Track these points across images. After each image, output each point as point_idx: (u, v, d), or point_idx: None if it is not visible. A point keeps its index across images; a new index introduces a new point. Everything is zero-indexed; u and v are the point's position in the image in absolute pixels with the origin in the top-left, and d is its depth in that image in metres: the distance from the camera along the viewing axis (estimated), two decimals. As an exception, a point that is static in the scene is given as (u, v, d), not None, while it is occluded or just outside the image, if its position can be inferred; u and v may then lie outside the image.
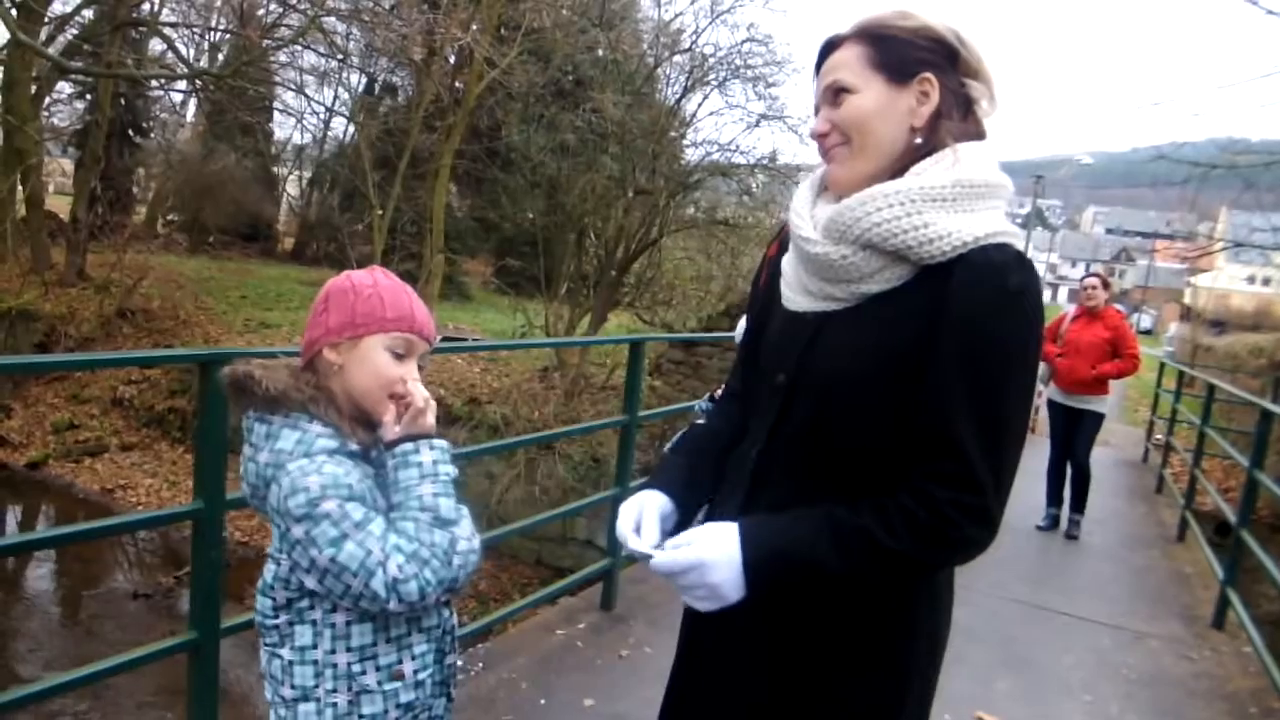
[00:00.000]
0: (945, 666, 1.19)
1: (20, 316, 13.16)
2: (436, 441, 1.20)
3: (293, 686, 1.19)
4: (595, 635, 3.32)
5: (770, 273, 1.26)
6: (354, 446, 1.19)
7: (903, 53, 1.07)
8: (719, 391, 2.43)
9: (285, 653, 1.20)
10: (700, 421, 2.45)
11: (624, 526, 1.13)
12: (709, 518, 1.18)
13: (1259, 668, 3.58)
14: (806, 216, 1.13)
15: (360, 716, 1.19)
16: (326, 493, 1.11)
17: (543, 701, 2.79)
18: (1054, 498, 5.69)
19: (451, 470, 1.20)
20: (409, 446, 1.18)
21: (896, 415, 1.03)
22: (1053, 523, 5.65)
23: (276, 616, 1.20)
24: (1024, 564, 4.86)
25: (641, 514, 1.14)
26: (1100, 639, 3.89)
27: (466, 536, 1.21)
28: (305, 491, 1.11)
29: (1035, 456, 5.87)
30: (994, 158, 1.09)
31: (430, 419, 1.21)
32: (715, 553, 1.03)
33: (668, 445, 1.87)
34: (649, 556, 1.08)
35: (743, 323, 2.39)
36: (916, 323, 1.02)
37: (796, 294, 1.14)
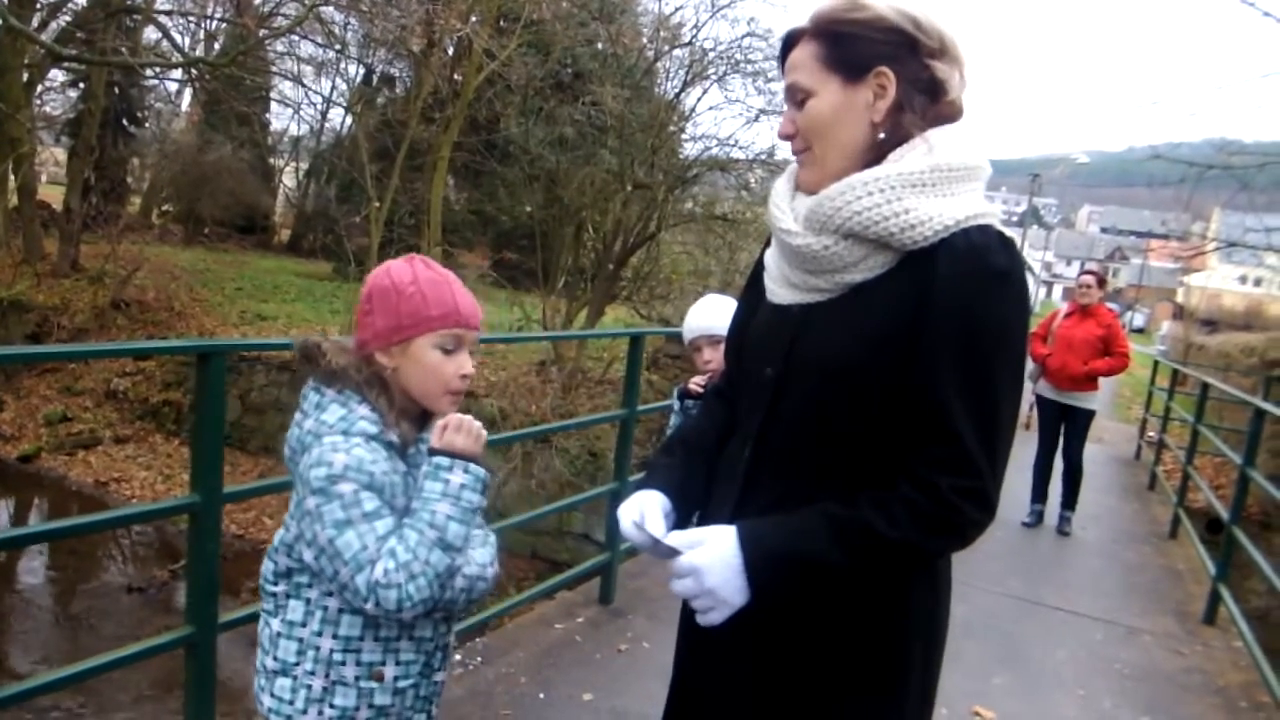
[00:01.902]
0: (942, 662, 1.19)
1: (12, 307, 13.08)
2: (473, 467, 1.20)
3: (275, 659, 1.21)
4: (594, 629, 3.32)
5: (757, 266, 1.26)
6: (393, 437, 1.20)
7: (856, 49, 1.06)
8: (690, 384, 2.42)
9: (275, 623, 1.22)
10: (676, 413, 2.45)
11: (627, 522, 1.13)
12: (702, 520, 1.18)
13: (1250, 662, 3.61)
14: (786, 209, 1.13)
15: (332, 705, 1.20)
16: (348, 473, 1.13)
17: (541, 696, 2.79)
18: (1039, 494, 5.71)
19: (475, 499, 1.20)
20: (445, 461, 1.19)
21: (886, 404, 1.03)
22: (1038, 519, 5.67)
23: (276, 583, 1.22)
24: (1018, 560, 4.88)
25: (644, 512, 1.14)
26: (1093, 634, 3.92)
27: (482, 563, 1.22)
28: (328, 466, 1.13)
29: (1027, 451, 5.91)
30: (970, 137, 1.08)
31: (471, 444, 1.21)
32: (707, 557, 1.03)
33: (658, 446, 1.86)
34: (656, 545, 1.08)
35: (689, 319, 2.37)
36: (902, 309, 1.02)
37: (780, 287, 1.14)
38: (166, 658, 2.09)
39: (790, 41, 1.12)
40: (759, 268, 1.26)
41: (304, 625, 1.20)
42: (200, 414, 2.00)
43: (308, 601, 1.19)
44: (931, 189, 1.03)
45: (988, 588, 4.20)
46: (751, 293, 1.26)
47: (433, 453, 1.20)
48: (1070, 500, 5.63)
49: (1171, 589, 4.81)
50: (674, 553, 1.06)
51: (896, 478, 1.02)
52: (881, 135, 1.06)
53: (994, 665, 3.40)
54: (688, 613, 1.22)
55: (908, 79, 1.06)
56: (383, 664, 1.21)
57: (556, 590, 3.57)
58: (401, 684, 1.23)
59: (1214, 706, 3.35)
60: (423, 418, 1.27)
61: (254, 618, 2.36)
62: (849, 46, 1.06)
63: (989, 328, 1.00)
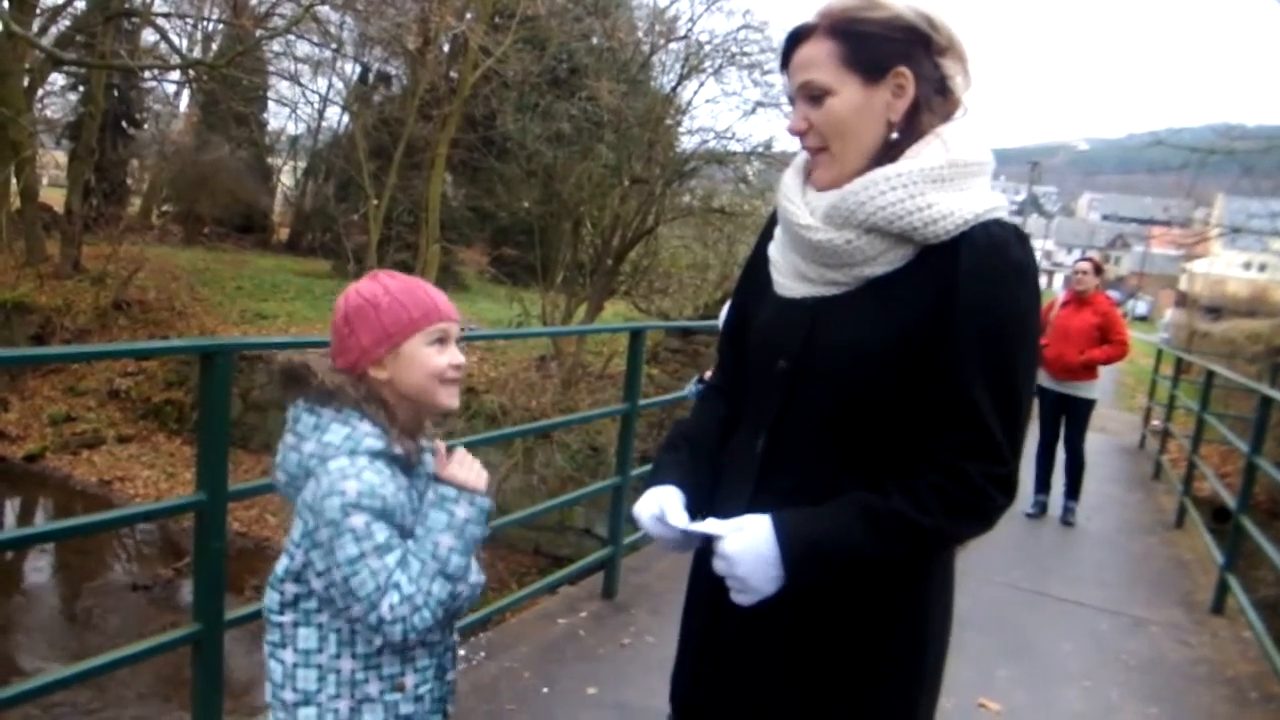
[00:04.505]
0: (946, 654, 1.20)
1: (16, 309, 13.13)
2: (479, 499, 1.20)
3: (295, 690, 1.19)
4: (597, 624, 3.32)
5: (754, 260, 1.26)
6: (398, 450, 1.19)
7: (875, 49, 1.06)
8: (709, 373, 2.42)
9: (288, 655, 1.20)
10: (691, 406, 2.45)
11: (647, 517, 1.14)
12: (713, 512, 1.17)
13: (1259, 652, 3.59)
14: (800, 203, 1.13)
15: None
16: (361, 501, 1.12)
17: (545, 690, 2.79)
18: (1042, 484, 5.70)
19: (479, 531, 1.20)
20: (451, 493, 1.19)
21: (903, 394, 1.05)
22: (1041, 509, 5.65)
23: (283, 613, 1.20)
24: (1022, 551, 4.87)
25: (664, 507, 1.14)
26: (1099, 625, 3.90)
27: (473, 583, 1.23)
28: (341, 495, 1.12)
29: (1029, 442, 5.88)
30: (976, 132, 1.10)
31: (476, 481, 1.21)
32: (738, 545, 1.04)
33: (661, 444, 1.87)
34: (685, 536, 1.09)
35: (726, 309, 2.37)
36: (921, 302, 1.04)
37: (790, 280, 1.14)
38: (173, 654, 2.09)
39: (798, 37, 1.11)
40: (755, 261, 1.25)
41: (320, 651, 1.19)
42: (205, 413, 1.99)
43: (320, 627, 1.19)
44: (949, 183, 1.05)
45: (992, 579, 4.19)
46: (749, 287, 1.25)
47: (438, 479, 1.20)
48: (1074, 490, 5.62)
49: (1178, 579, 4.79)
50: (703, 538, 1.07)
51: (917, 464, 1.04)
52: (896, 134, 1.07)
53: (999, 657, 3.39)
54: (695, 601, 1.23)
55: (923, 77, 1.07)
56: (403, 674, 1.21)
57: (559, 585, 3.57)
58: (421, 690, 1.23)
59: (1222, 697, 3.33)
60: (418, 433, 1.27)
61: (259, 614, 2.37)
62: (868, 46, 1.06)
63: (1010, 320, 1.03)
